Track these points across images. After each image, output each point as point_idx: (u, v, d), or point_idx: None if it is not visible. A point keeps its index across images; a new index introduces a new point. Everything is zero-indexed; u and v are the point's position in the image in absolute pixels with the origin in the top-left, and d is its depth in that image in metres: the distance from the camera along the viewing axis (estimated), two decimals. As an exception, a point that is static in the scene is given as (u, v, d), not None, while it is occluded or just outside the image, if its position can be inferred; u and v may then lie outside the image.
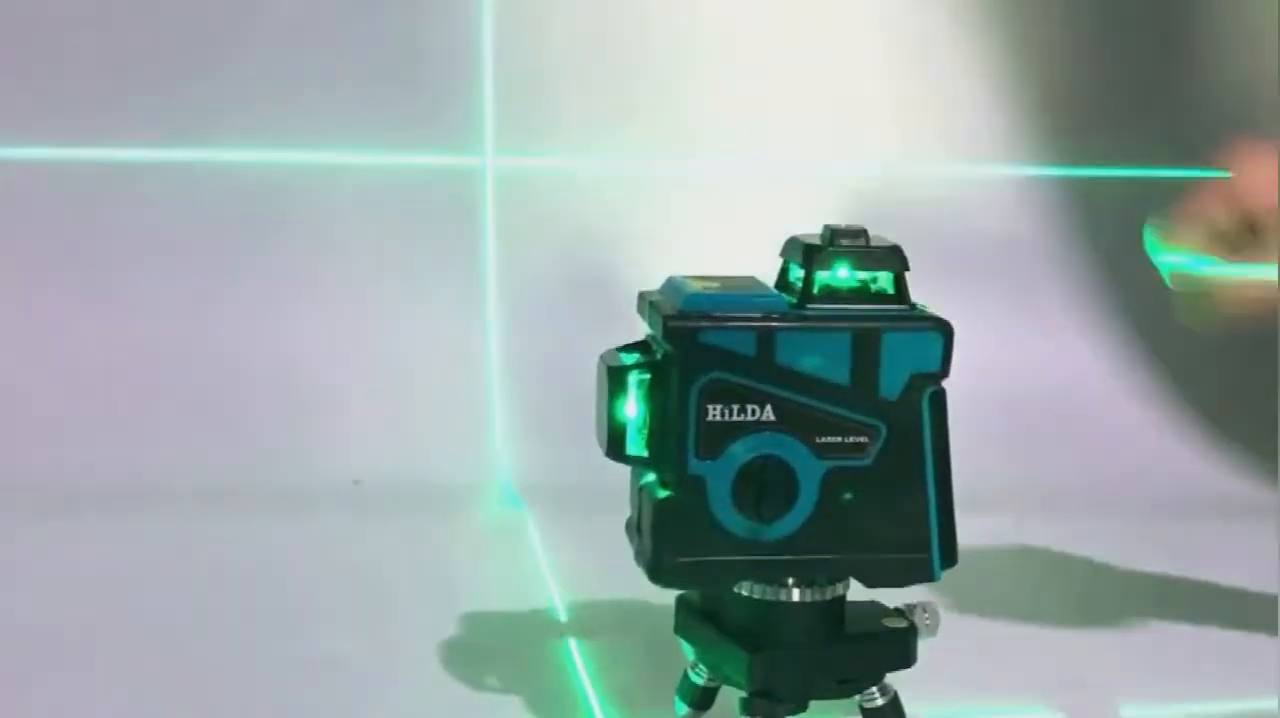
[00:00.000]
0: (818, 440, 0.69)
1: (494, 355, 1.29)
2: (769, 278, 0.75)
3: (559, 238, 1.34)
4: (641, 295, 0.74)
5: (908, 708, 0.77)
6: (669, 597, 0.77)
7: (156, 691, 0.84)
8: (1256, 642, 0.92)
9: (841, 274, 0.70)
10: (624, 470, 0.74)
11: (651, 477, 0.72)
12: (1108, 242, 1.42)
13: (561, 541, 1.09)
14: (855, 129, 1.40)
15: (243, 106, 1.32)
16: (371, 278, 1.32)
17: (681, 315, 0.69)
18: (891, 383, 0.69)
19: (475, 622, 0.93)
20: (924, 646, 0.76)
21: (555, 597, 0.98)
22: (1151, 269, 1.35)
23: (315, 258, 1.32)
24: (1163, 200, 1.41)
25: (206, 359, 1.26)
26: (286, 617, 0.94)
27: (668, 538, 0.70)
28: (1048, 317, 1.40)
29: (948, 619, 0.76)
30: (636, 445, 0.71)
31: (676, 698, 0.80)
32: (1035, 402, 1.34)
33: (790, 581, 0.72)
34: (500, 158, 1.34)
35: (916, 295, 0.72)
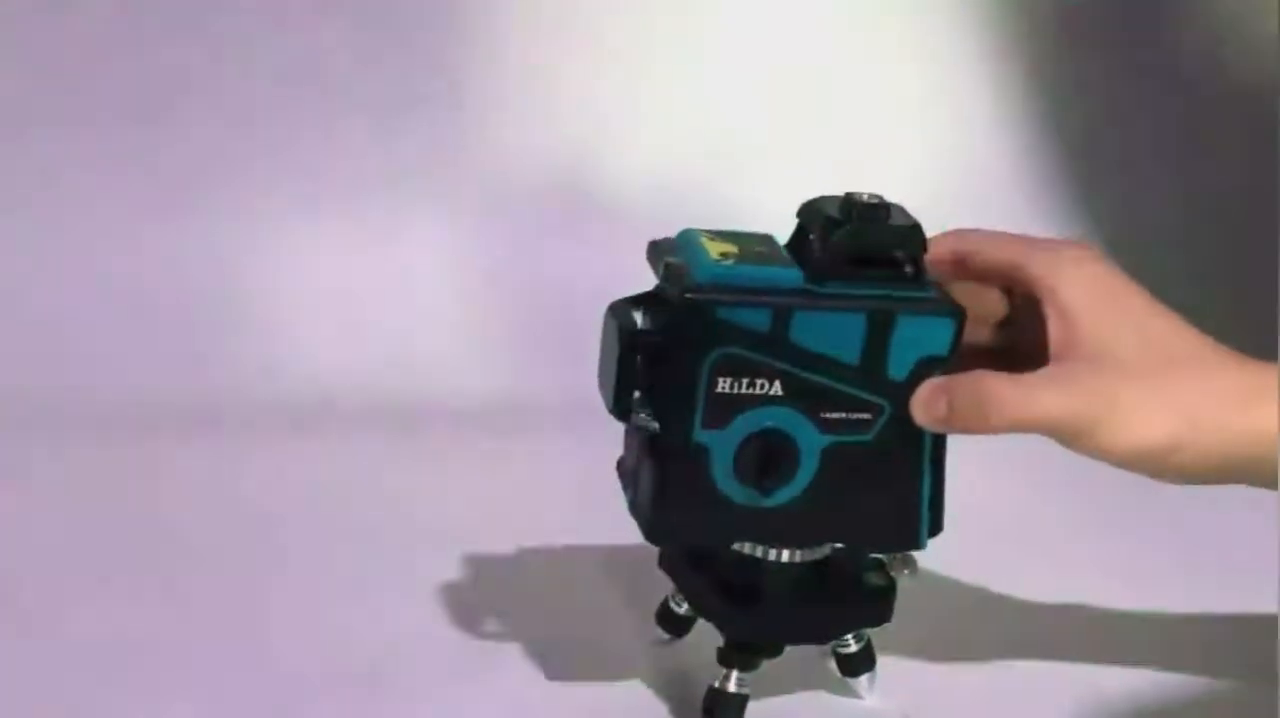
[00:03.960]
0: (822, 415, 0.70)
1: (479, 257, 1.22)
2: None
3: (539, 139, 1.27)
4: (653, 248, 0.73)
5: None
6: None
7: (140, 621, 0.82)
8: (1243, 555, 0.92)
9: (859, 251, 0.70)
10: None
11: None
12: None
13: (548, 461, 1.05)
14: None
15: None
16: (338, 167, 1.21)
17: (698, 289, 0.69)
18: (900, 364, 0.70)
19: (457, 546, 0.91)
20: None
21: (541, 519, 0.96)
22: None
23: (278, 140, 1.20)
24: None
25: (162, 269, 1.16)
26: (262, 540, 0.92)
27: (666, 501, 0.71)
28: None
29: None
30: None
31: (656, 624, 0.83)
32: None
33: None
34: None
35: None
